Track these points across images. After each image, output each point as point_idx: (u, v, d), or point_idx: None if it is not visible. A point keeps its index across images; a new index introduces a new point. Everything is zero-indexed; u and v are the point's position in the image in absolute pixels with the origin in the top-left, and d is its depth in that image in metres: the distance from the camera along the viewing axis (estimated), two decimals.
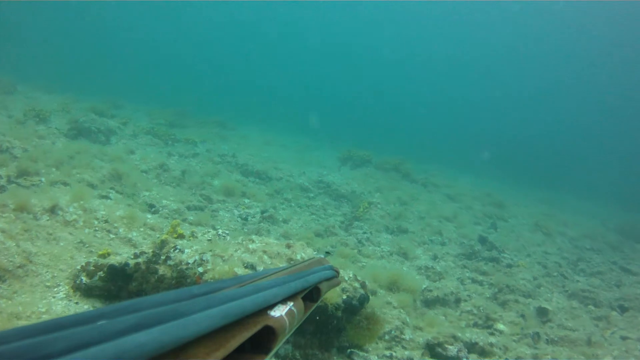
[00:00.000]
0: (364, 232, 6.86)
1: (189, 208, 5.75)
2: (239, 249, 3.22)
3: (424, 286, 4.95)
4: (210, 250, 3.08)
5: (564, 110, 36.87)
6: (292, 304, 0.70)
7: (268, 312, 0.63)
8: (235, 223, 5.85)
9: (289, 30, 43.96)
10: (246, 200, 6.82)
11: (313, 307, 0.89)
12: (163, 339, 0.39)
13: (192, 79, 27.74)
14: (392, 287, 4.33)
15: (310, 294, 0.92)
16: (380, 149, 13.56)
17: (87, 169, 5.78)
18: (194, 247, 3.14)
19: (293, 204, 7.32)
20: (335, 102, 32.65)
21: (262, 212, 6.40)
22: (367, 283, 3.37)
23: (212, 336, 0.48)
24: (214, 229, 4.77)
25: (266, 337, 0.61)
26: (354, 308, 3.11)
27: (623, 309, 5.25)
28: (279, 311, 0.65)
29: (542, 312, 4.84)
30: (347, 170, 11.22)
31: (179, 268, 2.96)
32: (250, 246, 3.27)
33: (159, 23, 38.37)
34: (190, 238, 3.66)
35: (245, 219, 6.08)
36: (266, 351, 0.60)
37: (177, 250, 3.07)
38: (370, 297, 3.27)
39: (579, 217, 11.22)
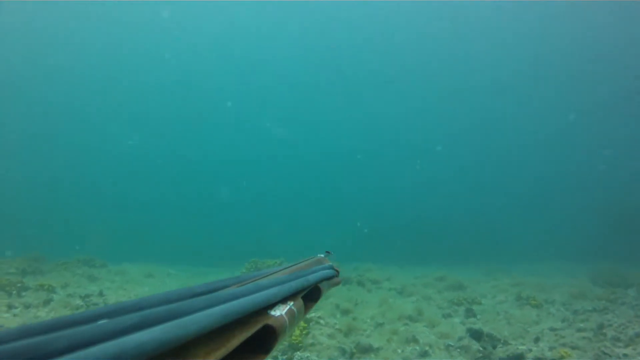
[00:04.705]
0: None
1: None
2: None
3: None
4: None
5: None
6: (292, 303, 0.71)
7: (268, 311, 0.64)
8: None
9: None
10: None
11: (313, 307, 0.90)
12: (163, 338, 0.39)
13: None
14: None
15: (311, 294, 0.92)
16: (291, 253, 12.20)
17: None
18: None
19: None
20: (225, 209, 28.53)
21: None
22: None
23: (213, 335, 0.48)
24: None
25: (266, 336, 0.61)
26: None
27: None
28: (279, 310, 0.65)
29: None
30: None
31: None
32: None
33: None
34: None
35: None
36: (266, 350, 0.60)
37: None
38: None
39: (546, 279, 10.29)
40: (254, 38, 33.17)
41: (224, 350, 0.48)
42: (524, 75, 30.91)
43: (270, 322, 0.61)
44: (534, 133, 30.91)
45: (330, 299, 7.78)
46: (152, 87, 32.96)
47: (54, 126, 30.23)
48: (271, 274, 0.80)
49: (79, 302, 7.15)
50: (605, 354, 5.33)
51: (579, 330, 6.31)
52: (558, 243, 17.61)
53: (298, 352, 5.27)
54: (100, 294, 7.66)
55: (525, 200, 27.85)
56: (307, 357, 5.11)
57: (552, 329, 6.38)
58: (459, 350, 5.41)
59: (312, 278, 0.87)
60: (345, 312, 7.18)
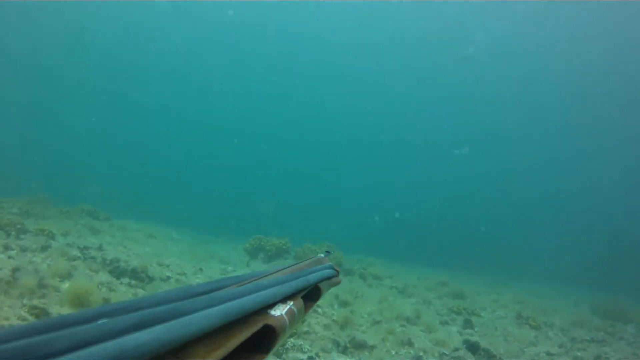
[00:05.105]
0: (308, 355, 4.69)
1: None
2: None
3: None
4: None
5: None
6: (292, 303, 0.71)
7: (268, 311, 0.64)
8: None
9: None
10: None
11: (313, 307, 0.90)
12: (163, 338, 0.39)
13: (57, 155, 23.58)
14: None
15: (311, 294, 0.92)
16: (299, 235, 11.77)
17: None
18: None
19: None
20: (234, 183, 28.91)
21: None
22: None
23: (212, 335, 0.48)
24: None
25: (266, 336, 0.61)
26: None
27: None
28: (279, 310, 0.65)
29: None
30: (259, 264, 9.53)
31: None
32: None
33: None
34: None
35: None
36: (266, 350, 0.60)
37: None
38: None
39: (548, 302, 10.17)
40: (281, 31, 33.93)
41: (224, 350, 0.48)
42: (539, 86, 30.91)
43: (270, 322, 0.61)
44: (554, 145, 31.03)
45: (331, 288, 7.50)
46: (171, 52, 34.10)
47: (78, 82, 31.17)
48: (271, 274, 0.80)
49: (76, 252, 6.75)
50: None
51: (575, 358, 6.15)
52: (565, 265, 17.61)
53: (291, 339, 5.13)
54: (100, 248, 7.35)
55: (536, 218, 27.90)
56: (300, 345, 4.93)
57: (548, 354, 6.17)
58: (450, 359, 5.27)
59: (312, 278, 0.87)
60: (344, 304, 7.05)
